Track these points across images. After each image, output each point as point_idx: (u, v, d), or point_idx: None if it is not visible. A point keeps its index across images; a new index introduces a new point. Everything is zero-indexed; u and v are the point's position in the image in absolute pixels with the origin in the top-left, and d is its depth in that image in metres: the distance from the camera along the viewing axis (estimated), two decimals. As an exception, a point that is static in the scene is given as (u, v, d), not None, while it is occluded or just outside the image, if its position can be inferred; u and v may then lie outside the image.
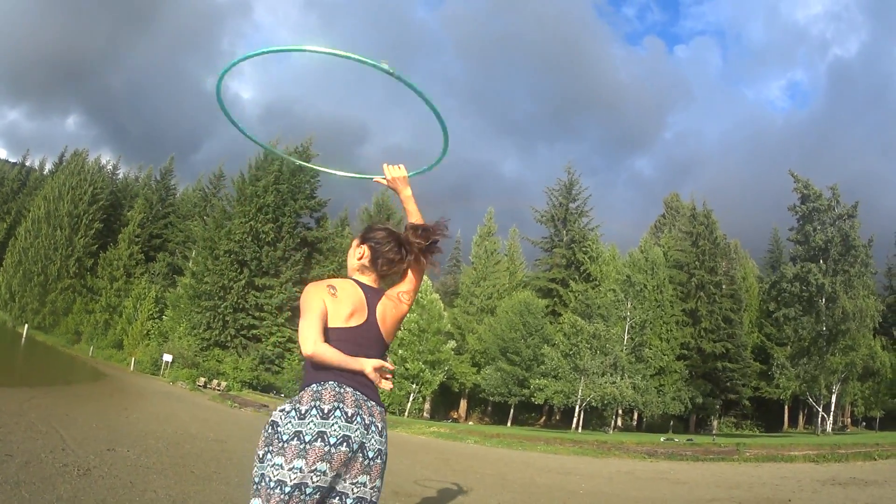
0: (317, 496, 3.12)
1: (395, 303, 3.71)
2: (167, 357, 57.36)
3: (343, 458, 3.18)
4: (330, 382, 3.29)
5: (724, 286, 68.87)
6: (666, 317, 66.39)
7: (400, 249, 3.76)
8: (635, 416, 67.83)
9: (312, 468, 3.09)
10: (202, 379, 53.32)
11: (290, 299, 60.77)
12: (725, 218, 75.84)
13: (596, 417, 58.77)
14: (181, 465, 10.80)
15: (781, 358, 55.11)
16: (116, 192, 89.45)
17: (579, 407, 54.37)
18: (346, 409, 3.23)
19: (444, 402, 70.56)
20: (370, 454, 3.30)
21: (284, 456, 3.12)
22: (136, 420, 18.64)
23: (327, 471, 3.13)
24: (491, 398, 65.18)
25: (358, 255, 3.79)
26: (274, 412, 3.40)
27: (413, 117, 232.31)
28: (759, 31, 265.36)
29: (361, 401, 3.33)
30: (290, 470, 3.09)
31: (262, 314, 61.79)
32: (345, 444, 3.18)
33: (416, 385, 61.35)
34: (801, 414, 74.28)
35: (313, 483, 3.10)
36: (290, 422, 3.21)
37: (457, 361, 65.00)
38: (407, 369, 59.80)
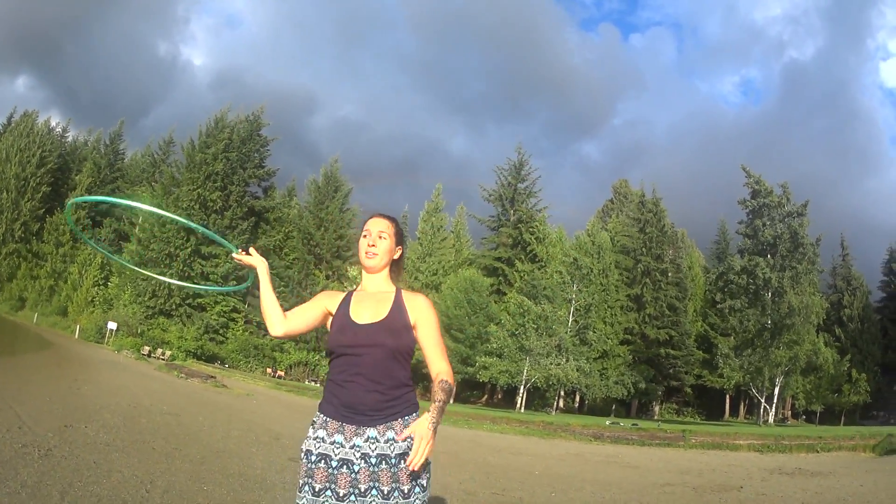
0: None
1: None
2: (112, 325, 56.15)
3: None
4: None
5: (669, 274, 69.66)
6: (611, 301, 66.73)
7: None
8: (577, 399, 68.09)
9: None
10: (146, 348, 52.09)
11: (236, 268, 60.16)
12: (673, 207, 76.46)
13: (538, 398, 58.81)
14: (140, 441, 10.60)
15: (726, 348, 55.68)
16: (65, 155, 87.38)
17: (524, 387, 54.47)
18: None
19: None
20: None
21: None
22: (88, 393, 18.09)
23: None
24: None
25: (396, 254, 3.85)
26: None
27: (362, 90, 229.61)
28: (716, 27, 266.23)
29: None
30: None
31: (207, 283, 60.80)
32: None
33: None
34: (743, 404, 75.78)
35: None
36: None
37: None
38: None
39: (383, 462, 3.30)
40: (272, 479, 8.49)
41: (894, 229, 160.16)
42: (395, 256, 3.79)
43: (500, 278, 70.20)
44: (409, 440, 3.30)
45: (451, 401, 49.43)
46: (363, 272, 3.78)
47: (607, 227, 73.88)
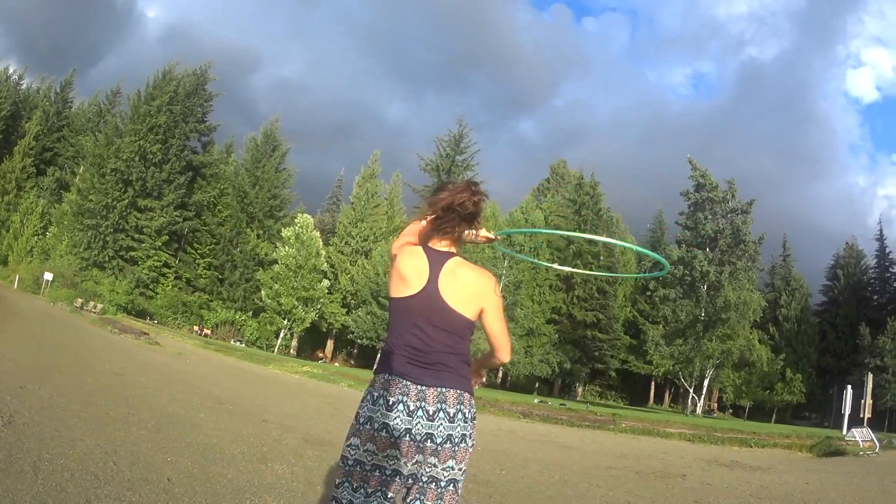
0: (377, 473, 3.21)
1: None
2: (48, 276, 55.85)
3: (385, 442, 3.20)
4: (383, 375, 3.33)
5: (601, 257, 69.54)
6: (540, 280, 66.61)
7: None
8: (500, 375, 67.91)
9: (364, 447, 3.21)
10: (79, 300, 51.49)
11: (170, 223, 59.57)
12: (610, 191, 76.54)
13: None
14: (93, 404, 10.37)
15: (657, 336, 56.05)
16: (18, 102, 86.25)
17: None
18: (389, 398, 3.24)
19: (310, 341, 70.11)
20: (438, 440, 3.23)
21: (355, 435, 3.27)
22: (35, 350, 18.04)
23: (376, 451, 3.21)
24: (359, 341, 64.73)
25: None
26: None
27: (308, 52, 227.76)
28: (674, 18, 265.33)
29: (409, 388, 3.27)
30: (348, 446, 3.25)
31: (141, 236, 60.75)
32: (384, 430, 3.20)
33: (288, 321, 60.94)
34: (668, 392, 76.63)
35: (369, 461, 3.20)
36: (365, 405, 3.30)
37: (328, 301, 64.61)
38: (280, 305, 59.29)
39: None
40: (231, 450, 8.37)
41: (839, 235, 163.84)
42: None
43: None
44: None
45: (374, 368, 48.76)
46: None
47: (542, 206, 72.59)
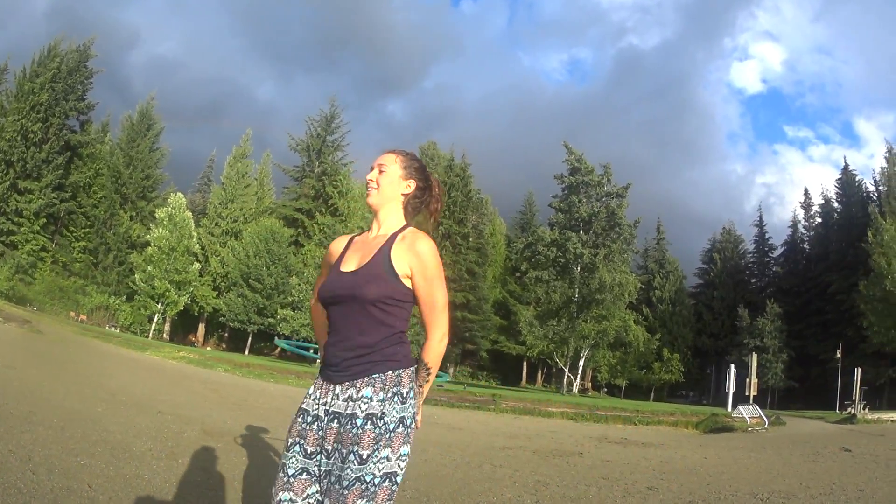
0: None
1: None
2: (-75, 264, 54.17)
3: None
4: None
5: (471, 239, 70.26)
6: None
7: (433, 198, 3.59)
8: None
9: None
10: (-43, 288, 50.13)
11: (47, 205, 58.68)
12: (479, 174, 76.86)
13: None
14: None
15: (530, 316, 56.35)
16: None
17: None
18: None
19: (182, 325, 69.08)
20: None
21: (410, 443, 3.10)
22: None
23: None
24: (230, 324, 64.30)
25: (404, 187, 3.44)
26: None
27: (184, 28, 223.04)
28: (554, 4, 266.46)
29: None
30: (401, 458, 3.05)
31: (20, 220, 59.10)
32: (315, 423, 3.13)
33: (161, 305, 59.97)
34: (540, 372, 77.55)
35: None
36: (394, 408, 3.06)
37: (199, 284, 63.69)
38: (154, 288, 58.35)
39: (349, 422, 3.06)
40: (138, 448, 8.07)
41: (714, 220, 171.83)
42: (407, 191, 3.41)
43: (300, 230, 69.91)
44: (379, 402, 3.06)
45: (245, 351, 48.67)
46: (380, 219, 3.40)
47: None
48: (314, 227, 67.68)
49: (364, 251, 3.25)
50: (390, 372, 3.07)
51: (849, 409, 41.38)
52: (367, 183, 3.38)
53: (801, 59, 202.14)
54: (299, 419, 3.10)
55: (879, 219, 56.89)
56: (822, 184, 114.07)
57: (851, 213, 73.73)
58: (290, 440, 3.07)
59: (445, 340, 3.23)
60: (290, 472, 3.01)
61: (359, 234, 3.43)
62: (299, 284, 54.49)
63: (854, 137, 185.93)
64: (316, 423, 3.07)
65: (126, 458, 7.22)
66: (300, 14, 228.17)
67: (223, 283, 65.43)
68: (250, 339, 65.34)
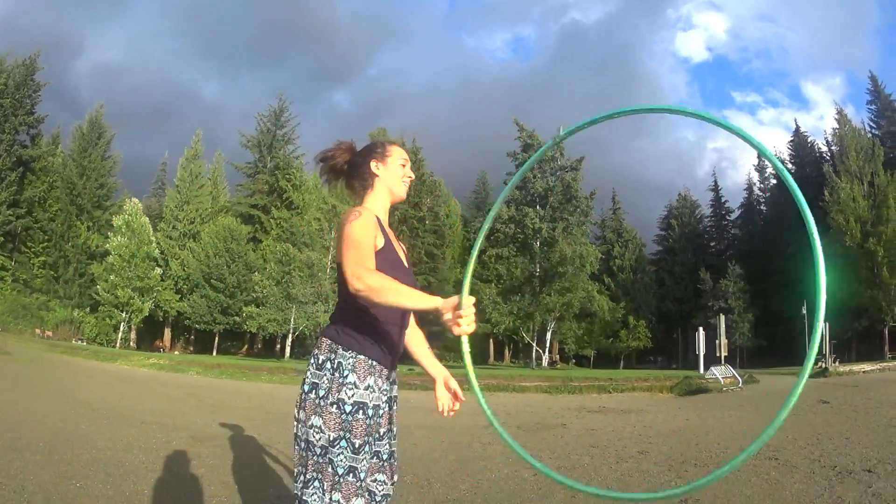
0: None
1: None
2: None
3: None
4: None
5: (427, 221, 70.14)
6: None
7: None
8: None
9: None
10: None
11: (3, 223, 58.22)
12: (430, 157, 76.96)
13: (299, 346, 57.60)
14: None
15: (493, 294, 56.24)
16: None
17: (291, 336, 54.43)
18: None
19: (148, 332, 68.10)
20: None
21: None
22: None
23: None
24: (196, 326, 63.94)
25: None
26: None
27: (127, 34, 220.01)
28: None
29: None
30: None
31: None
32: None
33: (126, 314, 59.66)
34: (507, 349, 78.04)
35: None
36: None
37: (162, 288, 63.21)
38: (117, 297, 57.99)
39: (395, 404, 3.32)
40: (131, 462, 7.89)
41: (668, 187, 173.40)
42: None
43: (257, 226, 69.81)
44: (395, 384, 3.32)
45: (213, 352, 48.47)
46: (380, 199, 3.38)
47: None
48: (271, 223, 67.65)
49: (399, 246, 3.35)
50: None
51: (819, 364, 42.34)
52: (407, 176, 3.42)
53: (744, 27, 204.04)
54: (369, 414, 2.97)
55: (835, 178, 57.76)
56: (775, 146, 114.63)
57: (806, 173, 74.45)
58: (359, 441, 2.92)
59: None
60: (362, 475, 2.95)
61: (378, 217, 3.23)
62: (262, 280, 54.05)
63: (803, 100, 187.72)
64: (383, 415, 3.14)
65: (121, 475, 7.07)
66: (241, 10, 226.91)
67: (185, 286, 64.81)
68: (217, 339, 65.36)
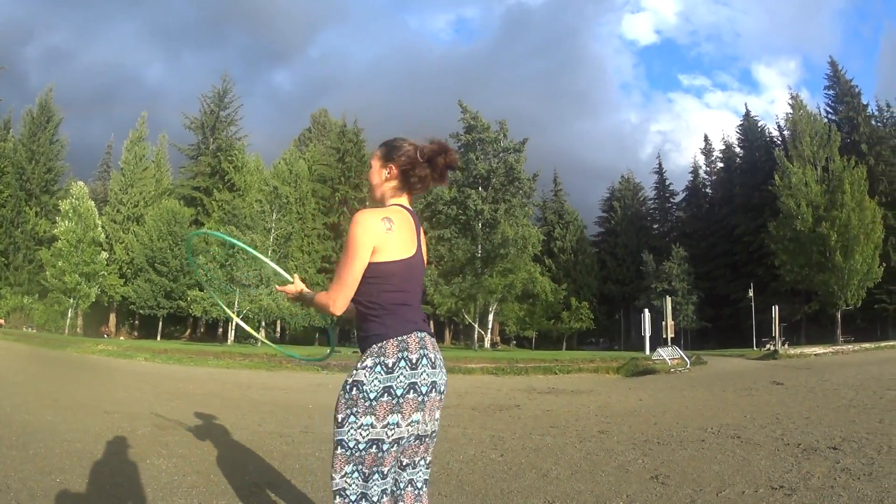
0: (394, 448, 3.07)
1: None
2: None
3: (434, 404, 3.19)
4: (415, 333, 3.14)
5: (367, 203, 69.34)
6: (308, 230, 66.46)
7: (429, 165, 3.36)
8: (279, 328, 67.86)
9: (409, 421, 3.06)
10: None
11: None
12: (373, 138, 76.72)
13: (241, 330, 56.02)
14: None
15: (434, 275, 56.87)
16: None
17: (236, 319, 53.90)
18: (430, 356, 3.15)
19: (95, 317, 66.44)
20: (441, 389, 3.23)
21: (375, 414, 3.00)
22: None
23: (421, 420, 3.12)
24: (140, 311, 64.24)
25: (386, 175, 3.40)
26: (355, 372, 3.09)
27: (75, 17, 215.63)
28: None
29: (434, 343, 3.27)
30: (384, 427, 3.00)
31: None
32: (433, 390, 3.16)
33: (74, 300, 58.69)
34: (448, 330, 78.04)
35: (409, 433, 3.10)
36: (376, 378, 3.04)
37: (106, 273, 61.71)
38: (65, 283, 57.08)
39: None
40: (103, 454, 7.70)
41: (610, 170, 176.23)
42: (390, 175, 3.38)
43: (199, 208, 69.14)
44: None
45: (158, 337, 48.16)
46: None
47: (305, 156, 73.22)
48: (213, 205, 67.34)
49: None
50: (376, 346, 3.17)
51: (768, 346, 43.30)
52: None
53: (696, 10, 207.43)
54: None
55: (786, 162, 57.60)
56: (724, 130, 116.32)
57: (755, 157, 75.68)
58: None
59: (327, 303, 3.12)
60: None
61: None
62: (206, 264, 53.18)
63: (753, 84, 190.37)
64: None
65: (98, 469, 6.94)
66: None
67: (129, 270, 64.08)
68: (161, 324, 65.00)
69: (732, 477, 6.46)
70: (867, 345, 39.33)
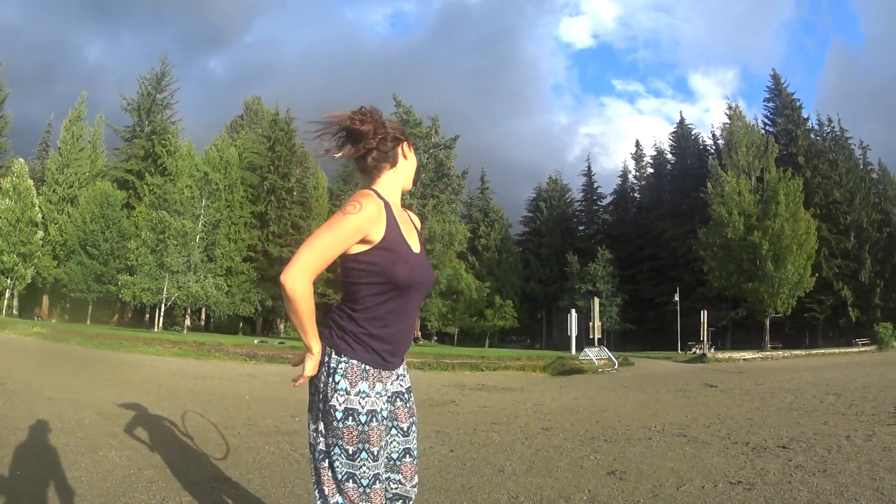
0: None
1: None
2: None
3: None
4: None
5: (295, 193, 69.31)
6: (235, 218, 65.40)
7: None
8: (203, 316, 68.14)
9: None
10: None
11: None
12: (303, 127, 75.99)
13: (167, 317, 57.03)
14: None
15: None
16: None
17: (164, 305, 53.56)
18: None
19: (29, 299, 65.68)
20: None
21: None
22: None
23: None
24: (72, 294, 61.59)
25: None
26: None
27: None
28: None
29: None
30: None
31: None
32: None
33: (11, 280, 57.97)
34: None
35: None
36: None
37: (41, 254, 60.75)
38: (3, 263, 56.39)
39: (409, 396, 3.28)
40: (56, 444, 7.48)
41: (535, 170, 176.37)
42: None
43: (131, 191, 67.85)
44: (406, 376, 3.30)
45: (87, 321, 47.49)
46: (396, 185, 3.21)
47: (236, 143, 72.01)
48: (144, 188, 66.17)
49: (410, 227, 3.24)
50: None
51: (695, 350, 44.36)
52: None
53: (636, 16, 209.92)
54: (361, 420, 2.89)
55: (720, 171, 59.01)
56: (655, 136, 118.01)
57: (686, 164, 77.45)
58: (352, 448, 2.89)
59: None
60: (364, 481, 2.91)
61: (386, 204, 3.04)
62: (137, 248, 53.54)
63: (688, 92, 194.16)
64: (387, 416, 3.09)
65: (54, 461, 6.71)
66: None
67: (62, 252, 62.43)
68: (90, 308, 63.50)
69: (688, 473, 6.63)
70: (798, 352, 41.16)
